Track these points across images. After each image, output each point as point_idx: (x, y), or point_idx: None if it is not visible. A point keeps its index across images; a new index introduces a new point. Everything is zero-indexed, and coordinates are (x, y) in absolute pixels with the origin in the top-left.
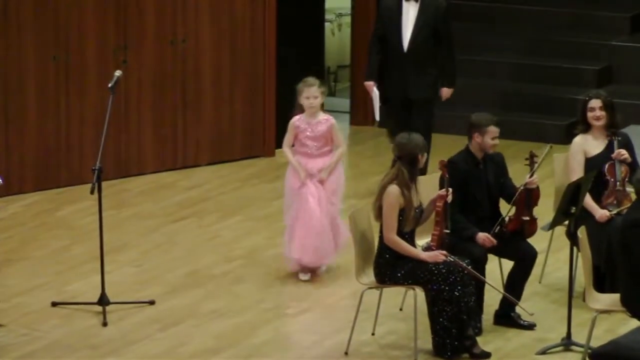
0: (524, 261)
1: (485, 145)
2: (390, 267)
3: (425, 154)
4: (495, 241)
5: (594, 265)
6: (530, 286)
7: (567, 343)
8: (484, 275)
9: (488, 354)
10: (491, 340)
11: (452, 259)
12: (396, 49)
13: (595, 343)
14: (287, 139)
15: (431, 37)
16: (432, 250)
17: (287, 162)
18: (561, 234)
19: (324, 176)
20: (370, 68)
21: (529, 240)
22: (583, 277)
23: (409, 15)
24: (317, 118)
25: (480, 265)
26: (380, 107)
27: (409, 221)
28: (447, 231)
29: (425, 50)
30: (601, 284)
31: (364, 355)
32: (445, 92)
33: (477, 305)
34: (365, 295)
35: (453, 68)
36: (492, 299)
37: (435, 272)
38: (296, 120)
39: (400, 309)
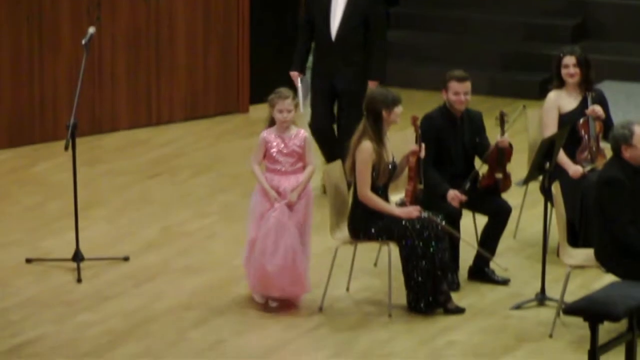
0: (498, 216)
1: (449, 100)
2: (364, 223)
3: (395, 110)
4: (464, 198)
5: (568, 220)
6: (505, 242)
7: (541, 298)
8: (458, 230)
9: (462, 310)
10: (465, 295)
11: (426, 215)
12: (323, 37)
13: (569, 298)
14: (256, 155)
15: (361, 26)
16: (406, 206)
17: (257, 180)
18: (535, 189)
19: (293, 198)
20: (297, 56)
21: (503, 195)
22: (557, 232)
23: (338, 2)
24: (289, 132)
25: (454, 220)
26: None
27: (381, 175)
28: (421, 187)
29: (355, 39)
30: (575, 239)
31: (338, 311)
32: (372, 85)
33: (452, 261)
34: (339, 251)
35: (383, 60)
36: (467, 254)
37: (410, 227)
38: (267, 134)
39: (375, 265)
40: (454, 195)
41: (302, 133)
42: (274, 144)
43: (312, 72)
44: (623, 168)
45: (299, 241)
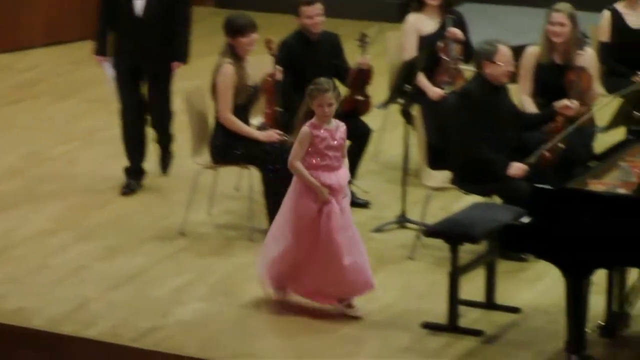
0: (359, 139)
1: (304, 25)
2: (226, 147)
3: (241, 39)
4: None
5: (428, 143)
6: (365, 164)
7: (402, 220)
8: None
9: None
10: None
11: (287, 138)
12: (128, 12)
13: (430, 220)
14: (299, 151)
15: (169, 1)
16: (267, 129)
17: (299, 179)
18: (396, 112)
19: (348, 192)
20: (99, 37)
21: (363, 118)
22: (417, 155)
23: None
24: (331, 124)
25: None
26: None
27: (240, 94)
28: (280, 109)
29: (163, 15)
30: (435, 161)
31: (199, 235)
32: (176, 66)
33: None
34: (200, 175)
35: (187, 39)
36: None
37: (271, 151)
38: (313, 128)
39: (236, 189)
40: None
41: (342, 124)
42: (322, 137)
43: (116, 51)
44: (481, 84)
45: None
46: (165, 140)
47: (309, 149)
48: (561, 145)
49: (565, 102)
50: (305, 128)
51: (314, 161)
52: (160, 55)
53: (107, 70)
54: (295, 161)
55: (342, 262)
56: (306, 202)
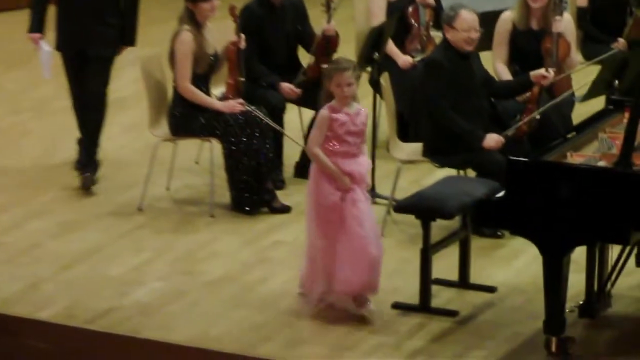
0: None
1: None
2: (185, 118)
3: (202, 5)
4: (298, 91)
5: (398, 113)
6: None
7: (371, 195)
8: (282, 125)
9: (288, 208)
10: (291, 193)
11: (249, 109)
12: None
13: (401, 195)
14: (318, 136)
15: None
16: (229, 100)
17: (318, 166)
18: (364, 81)
19: (369, 182)
20: (35, 15)
21: None
22: (387, 126)
23: None
24: (353, 108)
25: (277, 114)
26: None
27: (201, 63)
28: (243, 79)
29: None
30: (405, 132)
31: (158, 211)
32: (124, 50)
33: (276, 157)
34: (158, 148)
35: (135, 21)
36: (292, 150)
37: (232, 123)
38: (331, 111)
39: (196, 162)
40: (288, 89)
41: (363, 109)
42: (342, 121)
43: (59, 34)
44: (447, 51)
45: None
46: (91, 140)
47: (328, 134)
48: (537, 116)
49: (541, 71)
50: (324, 111)
51: (328, 146)
52: (106, 39)
53: (43, 48)
54: (313, 147)
55: (369, 250)
56: (327, 189)
